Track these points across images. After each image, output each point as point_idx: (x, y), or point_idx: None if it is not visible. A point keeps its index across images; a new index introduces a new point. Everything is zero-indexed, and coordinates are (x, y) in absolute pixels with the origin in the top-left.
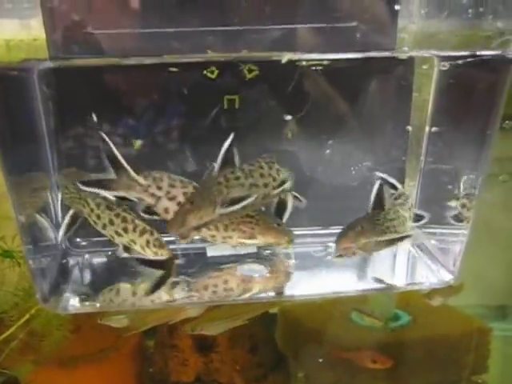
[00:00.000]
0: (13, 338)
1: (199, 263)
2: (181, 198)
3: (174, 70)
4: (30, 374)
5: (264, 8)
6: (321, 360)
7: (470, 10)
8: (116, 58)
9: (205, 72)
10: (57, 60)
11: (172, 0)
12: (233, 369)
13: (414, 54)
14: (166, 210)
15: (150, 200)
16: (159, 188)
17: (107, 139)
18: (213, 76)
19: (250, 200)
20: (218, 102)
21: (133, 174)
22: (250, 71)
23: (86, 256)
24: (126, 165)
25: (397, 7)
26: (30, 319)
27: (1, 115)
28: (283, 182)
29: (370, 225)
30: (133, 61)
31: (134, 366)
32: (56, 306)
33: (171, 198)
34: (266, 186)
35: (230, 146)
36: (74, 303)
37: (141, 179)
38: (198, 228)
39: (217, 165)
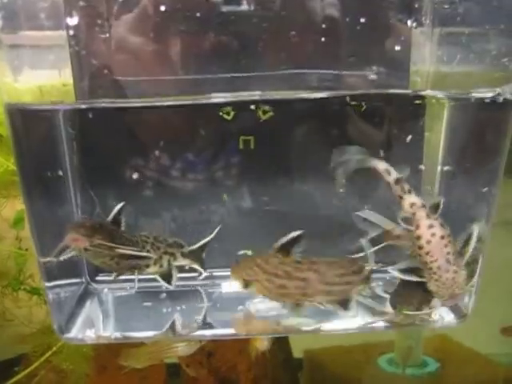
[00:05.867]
0: (35, 373)
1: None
2: None
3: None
4: None
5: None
6: None
7: (481, 53)
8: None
9: (220, 113)
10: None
11: (193, 49)
12: None
13: (424, 93)
14: None
15: None
16: None
17: None
18: (228, 117)
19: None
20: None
21: None
22: (265, 113)
23: (105, 290)
24: None
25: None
26: (53, 356)
27: (30, 153)
28: None
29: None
30: (152, 103)
31: None
32: (71, 337)
33: None
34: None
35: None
36: (89, 334)
37: None
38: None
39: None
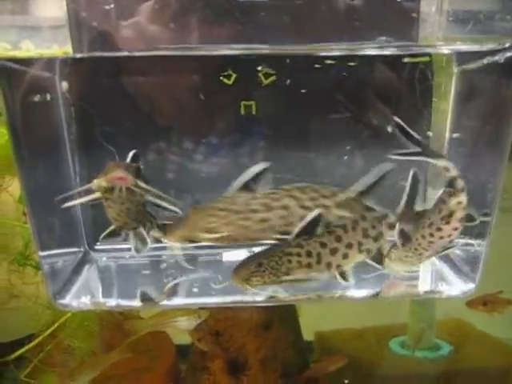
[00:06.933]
0: (40, 349)
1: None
2: None
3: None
4: None
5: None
6: None
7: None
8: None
9: (221, 77)
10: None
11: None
12: None
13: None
14: None
15: None
16: None
17: None
18: (229, 81)
19: None
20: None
21: None
22: (267, 77)
23: (104, 259)
24: None
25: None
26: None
27: (25, 119)
28: None
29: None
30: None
31: None
32: (66, 304)
33: None
34: None
35: None
36: (84, 301)
37: None
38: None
39: None
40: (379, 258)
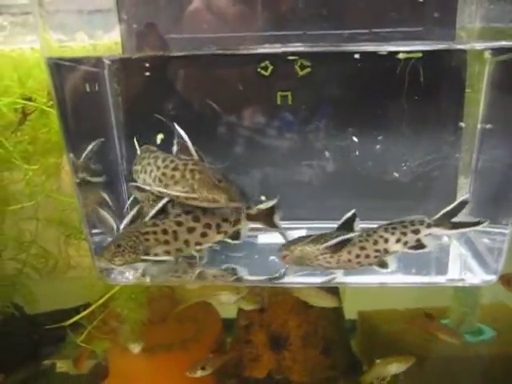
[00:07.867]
0: (94, 318)
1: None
2: None
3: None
4: (114, 357)
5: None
6: None
7: None
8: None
9: (259, 69)
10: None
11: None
12: (304, 368)
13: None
14: None
15: None
16: None
17: None
18: (266, 73)
19: None
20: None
21: None
22: (303, 68)
23: None
24: None
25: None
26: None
27: (74, 108)
28: None
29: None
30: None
31: None
32: (110, 278)
33: None
34: None
35: None
36: (128, 276)
37: None
38: None
39: None
40: None
